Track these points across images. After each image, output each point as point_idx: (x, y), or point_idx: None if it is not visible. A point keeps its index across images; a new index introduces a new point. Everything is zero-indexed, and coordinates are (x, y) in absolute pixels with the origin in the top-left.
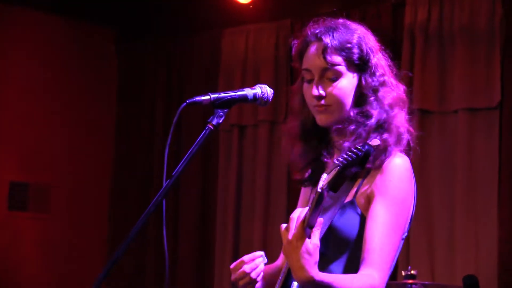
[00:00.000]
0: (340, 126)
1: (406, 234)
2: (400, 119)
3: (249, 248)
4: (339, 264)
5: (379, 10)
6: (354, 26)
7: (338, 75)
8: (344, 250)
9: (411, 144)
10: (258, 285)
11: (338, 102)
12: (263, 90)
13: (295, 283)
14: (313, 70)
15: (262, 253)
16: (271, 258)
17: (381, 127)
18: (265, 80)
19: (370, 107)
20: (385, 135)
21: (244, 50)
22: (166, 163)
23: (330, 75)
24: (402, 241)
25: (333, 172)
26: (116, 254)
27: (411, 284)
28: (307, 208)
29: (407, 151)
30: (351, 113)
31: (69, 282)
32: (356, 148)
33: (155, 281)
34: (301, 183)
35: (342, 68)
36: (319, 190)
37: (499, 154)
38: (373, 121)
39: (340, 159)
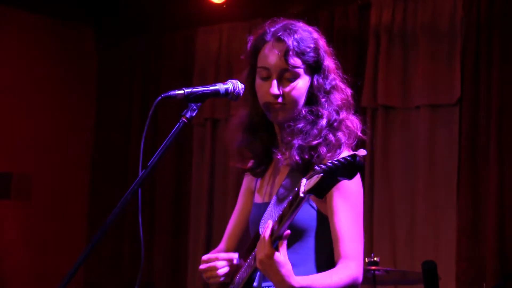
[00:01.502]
0: (291, 123)
1: None
2: (351, 120)
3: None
4: (294, 252)
5: (346, 11)
6: (311, 30)
7: (296, 76)
8: (298, 239)
9: (366, 140)
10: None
11: (293, 102)
12: (235, 85)
13: (258, 274)
14: (272, 69)
15: (236, 255)
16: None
17: (332, 126)
18: (238, 77)
19: (321, 107)
20: (339, 134)
21: (218, 48)
22: (142, 154)
23: (288, 75)
24: None
25: (316, 178)
26: (93, 241)
27: (374, 270)
28: (272, 220)
29: (356, 147)
30: (303, 111)
31: (50, 268)
32: (344, 159)
33: (132, 266)
34: (244, 172)
35: (300, 70)
36: (301, 195)
37: (459, 148)
38: (324, 121)
39: (323, 167)
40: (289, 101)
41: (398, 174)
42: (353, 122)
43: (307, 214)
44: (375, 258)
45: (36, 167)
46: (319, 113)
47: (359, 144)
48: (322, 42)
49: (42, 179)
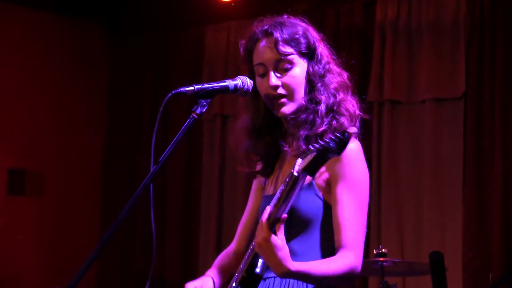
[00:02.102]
0: (293, 116)
1: None
2: (349, 102)
3: (233, 228)
4: (300, 242)
5: (352, 8)
6: (297, 20)
7: (291, 64)
8: (304, 229)
9: (373, 133)
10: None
11: (294, 90)
12: (244, 81)
13: (260, 260)
14: (267, 63)
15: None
16: None
17: (332, 110)
18: (246, 74)
19: (318, 93)
20: (342, 119)
21: (226, 45)
22: (153, 150)
23: (283, 65)
24: None
25: (309, 157)
26: (105, 237)
27: (382, 261)
28: (270, 205)
29: (358, 134)
30: (303, 101)
31: (62, 263)
32: (334, 136)
33: (143, 261)
34: (254, 175)
35: (294, 57)
36: (295, 174)
37: (464, 141)
38: (322, 106)
39: (317, 145)
40: (289, 91)
41: (404, 167)
42: (352, 103)
43: (313, 204)
44: (383, 250)
45: (49, 164)
46: (317, 99)
47: (363, 126)
48: (311, 30)
49: (55, 176)
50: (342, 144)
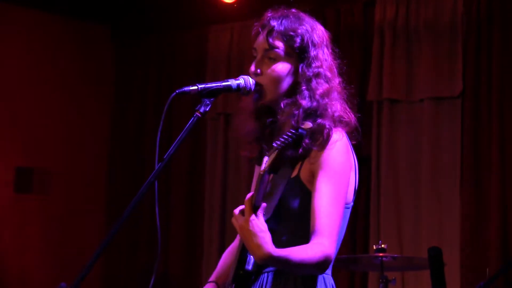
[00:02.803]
0: (274, 119)
1: (351, 204)
2: (335, 107)
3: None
4: (290, 235)
5: (352, 9)
6: (305, 18)
7: (277, 58)
8: (293, 222)
9: (358, 129)
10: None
11: (270, 83)
12: (246, 80)
13: (251, 257)
14: (258, 49)
15: None
16: None
17: (314, 114)
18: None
19: (300, 96)
20: (319, 120)
21: (229, 45)
22: (158, 148)
23: (270, 55)
24: (348, 210)
25: (273, 155)
26: (110, 233)
27: (381, 256)
28: (253, 192)
29: (352, 133)
30: (281, 104)
31: (69, 257)
32: (290, 132)
33: (148, 256)
34: (251, 160)
35: (280, 52)
36: (261, 172)
37: (461, 139)
38: (301, 111)
39: (278, 143)
40: (266, 81)
41: (403, 165)
42: (337, 106)
43: (300, 197)
44: (383, 245)
45: (55, 162)
46: (298, 103)
47: (360, 131)
48: (314, 32)
49: (61, 174)
50: (298, 139)
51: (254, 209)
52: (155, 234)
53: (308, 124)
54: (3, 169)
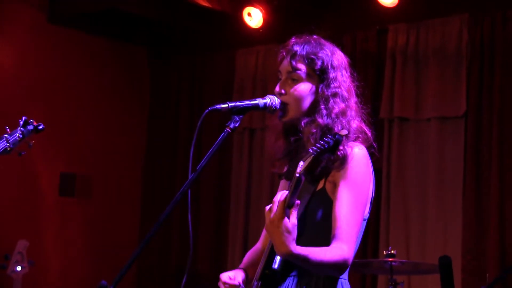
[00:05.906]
0: (297, 137)
1: (367, 215)
2: (351, 125)
3: (258, 228)
4: (315, 243)
5: (366, 36)
6: (326, 44)
7: (299, 79)
8: (315, 230)
9: (374, 145)
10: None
11: (293, 101)
12: (272, 100)
13: (278, 257)
14: (282, 71)
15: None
16: None
17: (330, 130)
18: (272, 93)
19: (318, 115)
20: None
21: (255, 67)
22: (191, 160)
23: (292, 77)
24: (364, 222)
25: (309, 159)
26: (147, 237)
27: (391, 261)
28: (287, 191)
29: (369, 148)
30: (302, 123)
31: (106, 255)
32: (327, 137)
33: (180, 256)
34: (279, 176)
35: (302, 73)
36: (297, 175)
37: (464, 155)
38: (318, 130)
39: (314, 148)
40: (289, 100)
41: (411, 177)
42: (352, 122)
43: (324, 207)
44: (392, 251)
45: (96, 169)
46: (316, 121)
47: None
48: (334, 56)
49: (101, 180)
50: (335, 144)
51: (289, 206)
52: (187, 236)
53: (344, 131)
54: (49, 174)
